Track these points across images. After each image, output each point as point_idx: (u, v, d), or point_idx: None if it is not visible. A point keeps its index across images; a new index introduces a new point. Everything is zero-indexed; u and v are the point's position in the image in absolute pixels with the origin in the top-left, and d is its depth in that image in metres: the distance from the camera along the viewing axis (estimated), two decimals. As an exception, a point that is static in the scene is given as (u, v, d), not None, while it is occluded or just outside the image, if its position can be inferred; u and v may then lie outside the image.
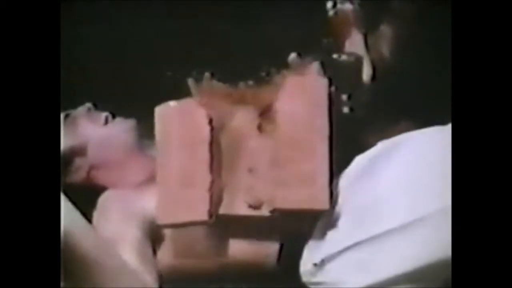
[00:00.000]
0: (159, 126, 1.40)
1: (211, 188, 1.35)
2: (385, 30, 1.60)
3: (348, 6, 1.62)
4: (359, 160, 1.40)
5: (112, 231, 1.39)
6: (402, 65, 1.54)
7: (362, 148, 1.43)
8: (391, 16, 1.60)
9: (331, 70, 1.52)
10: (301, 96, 1.37)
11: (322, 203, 1.33)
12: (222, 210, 1.36)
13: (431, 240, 1.28)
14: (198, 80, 1.47)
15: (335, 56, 1.55)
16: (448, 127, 1.30)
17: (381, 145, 1.39)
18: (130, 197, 1.45)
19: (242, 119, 1.39)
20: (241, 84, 1.48)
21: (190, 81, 1.45)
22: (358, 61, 1.53)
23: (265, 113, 1.40)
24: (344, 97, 1.49)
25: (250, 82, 1.49)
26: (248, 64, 1.56)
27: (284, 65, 1.53)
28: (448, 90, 1.16)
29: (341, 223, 1.36)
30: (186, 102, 1.41)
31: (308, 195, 1.34)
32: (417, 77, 1.51)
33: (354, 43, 1.58)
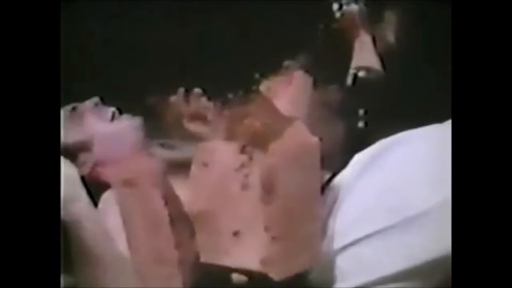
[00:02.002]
0: (121, 210, 1.38)
1: (181, 264, 1.33)
2: (390, 17, 1.62)
3: (354, 7, 1.62)
4: (359, 158, 1.41)
5: (112, 228, 1.38)
6: (408, 55, 1.55)
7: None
8: (395, 4, 1.61)
9: (347, 84, 1.53)
10: (295, 162, 1.34)
11: (316, 261, 1.34)
12: (203, 259, 1.36)
13: (431, 236, 1.29)
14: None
15: (352, 71, 1.55)
16: (445, 124, 1.34)
17: (380, 144, 1.40)
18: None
19: (224, 156, 1.37)
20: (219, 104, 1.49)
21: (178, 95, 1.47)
22: (376, 76, 1.54)
23: (249, 145, 1.38)
24: (361, 112, 1.50)
25: (230, 96, 1.50)
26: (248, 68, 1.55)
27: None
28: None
29: (340, 221, 1.37)
30: (143, 185, 1.37)
31: (303, 260, 1.33)
32: (425, 71, 1.52)
33: (363, 44, 1.59)
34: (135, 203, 1.36)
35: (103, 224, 1.38)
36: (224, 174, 1.36)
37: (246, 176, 1.36)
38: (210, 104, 1.53)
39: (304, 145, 1.34)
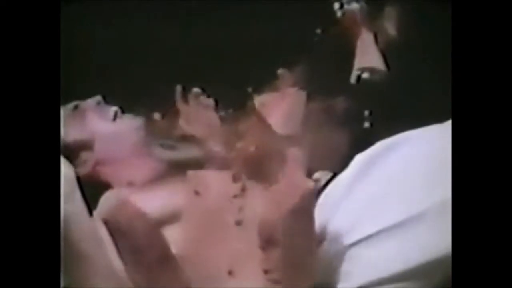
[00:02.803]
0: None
1: None
2: (390, 12, 1.62)
3: (355, 5, 1.62)
4: (359, 159, 1.39)
5: (105, 231, 1.35)
6: (411, 52, 1.55)
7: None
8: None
9: (353, 86, 1.52)
10: (292, 209, 1.30)
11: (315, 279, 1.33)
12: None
13: (431, 236, 1.28)
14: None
15: (357, 72, 1.54)
16: (445, 125, 1.33)
17: (380, 145, 1.39)
18: (130, 197, 1.38)
19: (216, 186, 1.36)
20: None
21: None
22: (380, 76, 1.53)
23: (242, 172, 1.37)
24: (366, 112, 1.50)
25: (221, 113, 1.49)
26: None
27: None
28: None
29: (341, 221, 1.35)
30: (131, 218, 1.34)
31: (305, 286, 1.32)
32: (429, 67, 1.52)
33: (365, 42, 1.58)
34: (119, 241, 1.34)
35: (95, 227, 1.35)
36: (216, 206, 1.35)
37: (240, 209, 1.34)
38: (211, 101, 1.53)
39: (300, 192, 1.30)
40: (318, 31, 1.60)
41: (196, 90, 1.53)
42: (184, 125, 1.52)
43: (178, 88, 1.52)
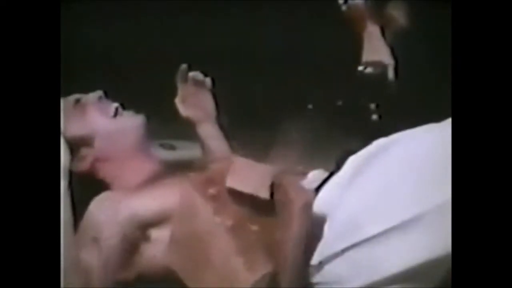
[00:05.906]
0: None
1: None
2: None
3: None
4: (353, 160, 1.36)
5: (93, 231, 1.35)
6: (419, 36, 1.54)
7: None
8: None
9: (357, 82, 1.50)
10: None
11: None
12: None
13: (428, 238, 1.25)
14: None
15: (360, 68, 1.53)
16: (441, 124, 1.30)
17: (376, 144, 1.36)
18: (124, 198, 1.38)
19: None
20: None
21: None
22: (383, 69, 1.52)
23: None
24: (373, 106, 1.48)
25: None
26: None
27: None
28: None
29: (337, 223, 1.33)
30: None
31: None
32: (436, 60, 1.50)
33: (371, 36, 1.56)
34: None
35: (82, 231, 1.34)
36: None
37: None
38: (208, 80, 1.52)
39: None
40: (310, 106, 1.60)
41: (196, 72, 1.51)
42: (179, 104, 1.51)
43: (184, 66, 1.49)
